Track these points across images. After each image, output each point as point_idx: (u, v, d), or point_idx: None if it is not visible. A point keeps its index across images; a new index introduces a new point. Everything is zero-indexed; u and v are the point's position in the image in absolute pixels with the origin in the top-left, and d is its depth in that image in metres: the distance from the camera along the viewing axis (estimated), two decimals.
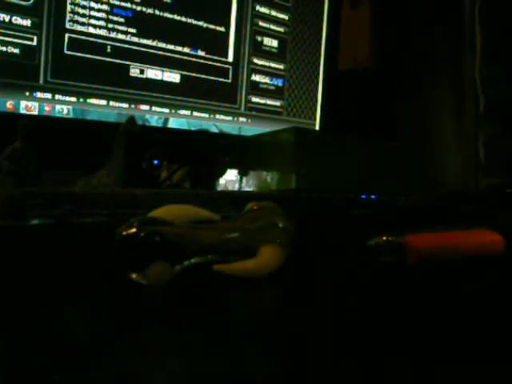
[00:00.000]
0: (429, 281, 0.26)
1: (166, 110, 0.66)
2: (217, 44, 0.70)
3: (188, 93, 0.68)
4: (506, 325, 0.19)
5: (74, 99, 0.59)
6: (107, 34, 0.60)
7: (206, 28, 0.68)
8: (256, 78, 0.75)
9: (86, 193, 0.38)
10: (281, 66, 0.78)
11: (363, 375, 0.14)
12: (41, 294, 0.20)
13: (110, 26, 0.60)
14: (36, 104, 0.57)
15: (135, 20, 0.62)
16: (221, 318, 0.18)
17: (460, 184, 0.79)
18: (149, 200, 0.39)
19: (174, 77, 0.66)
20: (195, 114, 0.69)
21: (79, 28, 0.58)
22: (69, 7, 0.57)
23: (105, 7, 0.60)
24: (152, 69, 0.64)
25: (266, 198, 0.35)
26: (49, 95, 0.57)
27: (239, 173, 0.63)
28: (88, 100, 0.60)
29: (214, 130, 0.71)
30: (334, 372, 0.14)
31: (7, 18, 0.54)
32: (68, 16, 0.57)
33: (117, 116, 0.62)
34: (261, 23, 0.75)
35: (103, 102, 0.61)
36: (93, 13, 0.59)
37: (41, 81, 0.57)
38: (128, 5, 0.61)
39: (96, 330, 0.16)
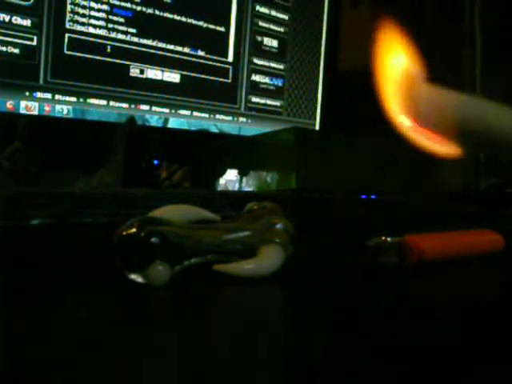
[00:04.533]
0: (429, 281, 0.26)
1: (166, 110, 0.66)
2: (217, 44, 0.70)
3: (188, 93, 0.68)
4: (507, 325, 0.19)
5: (74, 99, 0.59)
6: (107, 34, 0.60)
7: (206, 28, 0.68)
8: (256, 77, 0.75)
9: (85, 193, 0.38)
10: (281, 66, 0.78)
11: (362, 376, 0.14)
12: (40, 293, 0.20)
13: (110, 26, 0.60)
14: (36, 104, 0.57)
15: (135, 20, 0.62)
16: (221, 318, 0.18)
17: (460, 184, 0.79)
18: (149, 200, 0.39)
19: (174, 77, 0.66)
20: (195, 114, 0.69)
21: (79, 28, 0.58)
22: (69, 7, 0.57)
23: (105, 7, 0.60)
24: (152, 69, 0.64)
25: (266, 197, 0.35)
26: (49, 95, 0.57)
27: (239, 173, 0.63)
28: (88, 100, 0.60)
29: (214, 129, 0.71)
30: (334, 373, 0.14)
31: (7, 18, 0.54)
32: (68, 16, 0.57)
33: (117, 116, 0.62)
34: (261, 23, 0.75)
35: (103, 102, 0.61)
36: (93, 13, 0.59)
37: (41, 81, 0.57)
38: (128, 5, 0.61)
39: (95, 330, 0.16)
